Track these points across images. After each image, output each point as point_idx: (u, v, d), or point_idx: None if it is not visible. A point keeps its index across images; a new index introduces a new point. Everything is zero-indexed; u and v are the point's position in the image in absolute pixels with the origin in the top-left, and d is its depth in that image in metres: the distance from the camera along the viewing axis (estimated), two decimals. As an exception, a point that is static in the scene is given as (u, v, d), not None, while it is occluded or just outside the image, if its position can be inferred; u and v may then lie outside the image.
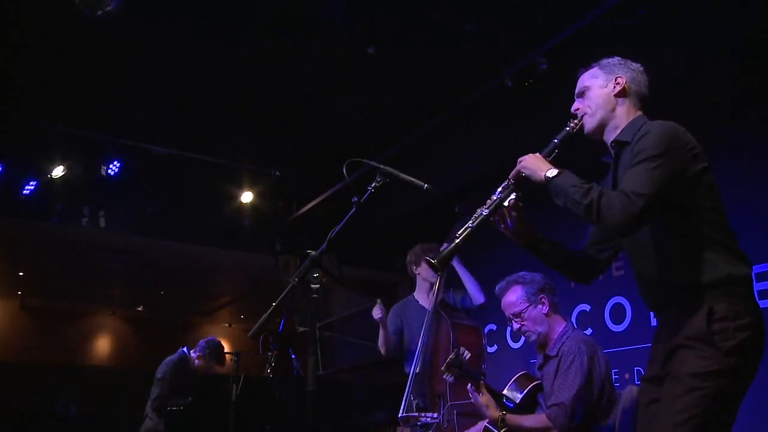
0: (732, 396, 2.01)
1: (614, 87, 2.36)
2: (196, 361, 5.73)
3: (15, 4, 5.00)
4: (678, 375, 2.03)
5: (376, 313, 4.36)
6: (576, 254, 2.48)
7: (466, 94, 5.50)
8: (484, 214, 2.29)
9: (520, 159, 2.31)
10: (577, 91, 2.45)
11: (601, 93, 2.37)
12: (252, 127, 6.69)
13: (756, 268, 4.46)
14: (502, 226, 2.39)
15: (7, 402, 9.31)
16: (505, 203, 2.32)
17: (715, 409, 1.97)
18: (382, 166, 2.56)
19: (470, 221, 2.30)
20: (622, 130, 2.31)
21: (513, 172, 2.31)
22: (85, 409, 9.84)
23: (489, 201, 2.32)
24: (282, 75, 5.72)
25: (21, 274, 10.41)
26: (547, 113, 4.91)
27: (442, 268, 2.33)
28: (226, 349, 5.94)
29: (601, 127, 2.36)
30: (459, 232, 2.30)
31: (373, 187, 2.53)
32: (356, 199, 2.48)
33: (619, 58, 2.44)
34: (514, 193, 2.32)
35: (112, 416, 8.90)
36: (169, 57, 5.58)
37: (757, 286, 4.49)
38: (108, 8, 4.63)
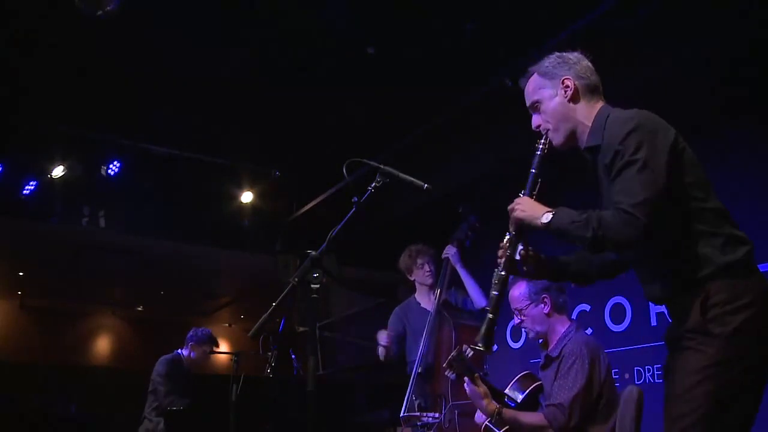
0: (744, 383, 1.90)
1: (564, 92, 2.25)
2: (192, 354, 5.71)
3: (15, 4, 4.99)
4: (680, 370, 1.95)
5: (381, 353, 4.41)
6: (597, 258, 2.38)
7: (466, 94, 5.50)
8: (503, 275, 2.25)
9: (511, 207, 2.22)
10: (528, 105, 2.36)
11: (555, 104, 2.27)
12: (252, 127, 6.68)
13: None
14: (524, 270, 2.32)
15: (7, 402, 9.30)
16: (517, 257, 2.26)
17: (724, 402, 1.88)
18: (382, 166, 2.56)
19: (493, 288, 2.26)
20: (588, 135, 2.22)
21: (511, 221, 2.23)
22: (85, 409, 9.82)
23: (500, 259, 2.26)
24: (282, 75, 5.71)
25: (21, 274, 10.41)
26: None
27: (491, 347, 2.25)
28: (226, 349, 5.93)
29: (570, 138, 2.27)
30: (487, 306, 2.28)
31: (373, 187, 2.53)
32: (356, 199, 2.47)
33: (556, 55, 2.33)
34: (521, 243, 2.25)
35: (112, 416, 8.89)
36: (169, 57, 5.57)
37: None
38: (108, 8, 4.63)
